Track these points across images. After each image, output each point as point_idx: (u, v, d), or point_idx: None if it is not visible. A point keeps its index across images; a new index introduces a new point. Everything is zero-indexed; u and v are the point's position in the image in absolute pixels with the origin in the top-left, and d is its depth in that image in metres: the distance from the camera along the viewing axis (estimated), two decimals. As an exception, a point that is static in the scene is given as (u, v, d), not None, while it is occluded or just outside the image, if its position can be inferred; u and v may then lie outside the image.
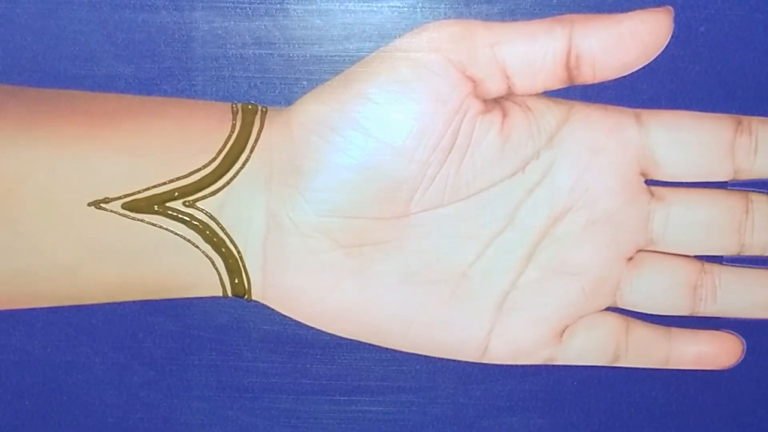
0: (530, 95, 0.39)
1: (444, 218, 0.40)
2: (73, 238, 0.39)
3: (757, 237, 0.41)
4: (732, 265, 0.42)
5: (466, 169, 0.39)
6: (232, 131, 0.39)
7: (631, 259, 0.41)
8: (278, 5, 0.39)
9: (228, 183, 0.39)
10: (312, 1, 0.39)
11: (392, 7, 0.39)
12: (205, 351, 0.43)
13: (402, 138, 0.38)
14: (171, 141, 0.39)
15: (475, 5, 0.39)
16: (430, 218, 0.40)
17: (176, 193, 0.39)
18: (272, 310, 0.41)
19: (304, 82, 0.39)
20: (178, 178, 0.39)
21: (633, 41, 0.38)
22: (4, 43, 0.39)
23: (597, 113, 0.40)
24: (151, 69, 0.39)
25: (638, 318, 0.42)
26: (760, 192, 0.41)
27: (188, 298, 0.41)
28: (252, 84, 0.39)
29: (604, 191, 0.40)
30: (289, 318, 0.41)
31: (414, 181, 0.39)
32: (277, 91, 0.39)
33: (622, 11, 0.38)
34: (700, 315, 0.42)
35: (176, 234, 0.39)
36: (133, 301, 0.41)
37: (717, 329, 0.42)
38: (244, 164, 0.39)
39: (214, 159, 0.39)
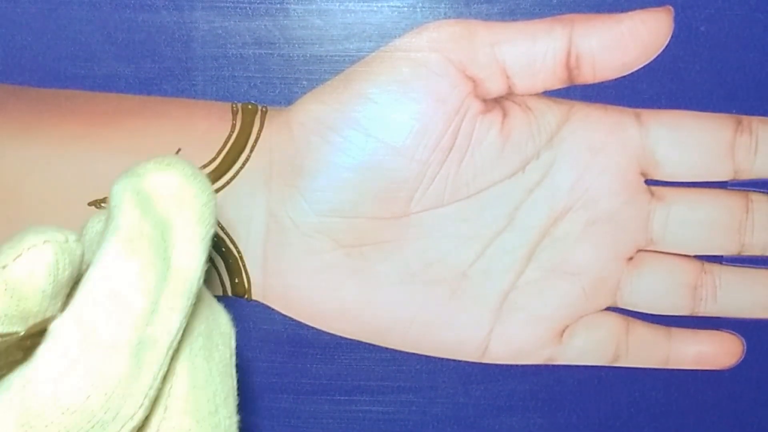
0: (530, 95, 0.39)
1: (444, 218, 0.40)
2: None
3: (757, 237, 0.41)
4: (732, 265, 0.42)
5: (466, 169, 0.39)
6: (232, 131, 0.39)
7: (631, 259, 0.41)
8: (278, 5, 0.39)
9: (228, 183, 0.39)
10: (312, 1, 0.39)
11: (392, 7, 0.39)
12: (205, 351, 0.43)
13: (402, 138, 0.38)
14: (171, 141, 0.39)
15: (475, 5, 0.39)
16: (431, 218, 0.40)
17: (176, 193, 0.39)
18: (272, 309, 0.41)
19: (304, 82, 0.39)
20: (178, 178, 0.39)
21: (633, 41, 0.38)
22: (4, 43, 0.39)
23: (597, 113, 0.40)
24: (152, 69, 0.39)
25: (638, 318, 0.42)
26: (760, 192, 0.41)
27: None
28: (252, 84, 0.39)
29: (604, 191, 0.40)
30: (289, 318, 0.41)
31: (414, 181, 0.39)
32: (277, 91, 0.39)
33: (622, 11, 0.38)
34: (700, 315, 0.42)
35: (176, 234, 0.39)
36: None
37: (717, 329, 0.42)
38: (244, 164, 0.39)
39: (214, 159, 0.39)
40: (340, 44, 0.39)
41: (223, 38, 0.39)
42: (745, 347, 0.43)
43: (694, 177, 0.41)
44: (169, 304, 0.20)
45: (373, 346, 0.42)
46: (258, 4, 0.39)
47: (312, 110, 0.39)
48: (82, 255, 0.20)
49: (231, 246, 0.39)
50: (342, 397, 0.43)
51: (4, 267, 0.19)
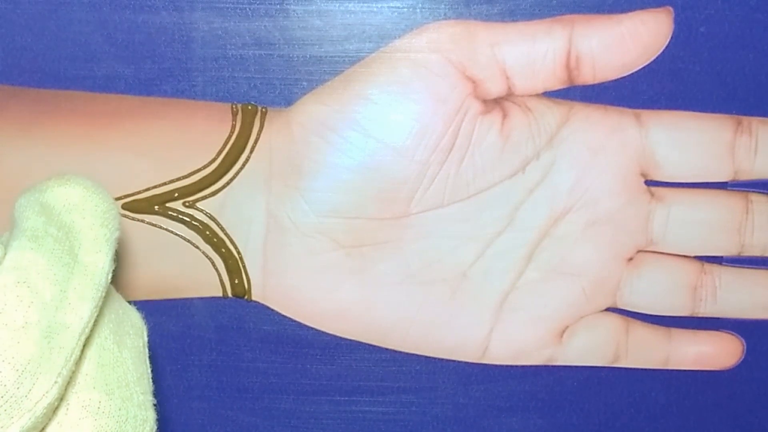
0: (530, 96, 0.39)
1: (444, 218, 0.40)
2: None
3: (757, 237, 0.41)
4: (732, 266, 0.42)
5: (466, 170, 0.39)
6: (232, 132, 0.39)
7: (631, 259, 0.41)
8: (278, 6, 0.39)
9: (228, 183, 0.39)
10: (312, 2, 0.39)
11: (392, 7, 0.39)
12: (205, 351, 0.43)
13: (402, 138, 0.38)
14: (171, 141, 0.39)
15: (475, 5, 0.38)
16: (431, 218, 0.40)
17: (176, 194, 0.39)
18: (272, 310, 0.41)
19: (304, 83, 0.39)
20: (178, 179, 0.39)
21: (633, 41, 0.38)
22: (4, 44, 0.39)
23: (597, 114, 0.40)
24: (151, 69, 0.39)
25: (638, 318, 0.42)
26: (760, 192, 0.41)
27: (188, 298, 0.41)
28: (252, 84, 0.39)
29: (604, 192, 0.40)
30: (289, 318, 0.41)
31: (414, 182, 0.39)
32: (277, 92, 0.39)
33: (622, 11, 0.38)
34: (700, 315, 0.42)
35: (176, 234, 0.39)
36: (134, 301, 0.41)
37: (717, 329, 0.42)
38: (244, 164, 0.39)
39: (214, 159, 0.39)
40: (339, 45, 0.39)
41: (222, 39, 0.39)
42: (745, 348, 0.43)
43: (694, 177, 0.41)
44: (77, 294, 0.21)
45: (373, 346, 0.42)
46: (258, 5, 0.39)
47: (312, 111, 0.39)
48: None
49: (231, 247, 0.39)
50: (342, 398, 0.43)
51: None
